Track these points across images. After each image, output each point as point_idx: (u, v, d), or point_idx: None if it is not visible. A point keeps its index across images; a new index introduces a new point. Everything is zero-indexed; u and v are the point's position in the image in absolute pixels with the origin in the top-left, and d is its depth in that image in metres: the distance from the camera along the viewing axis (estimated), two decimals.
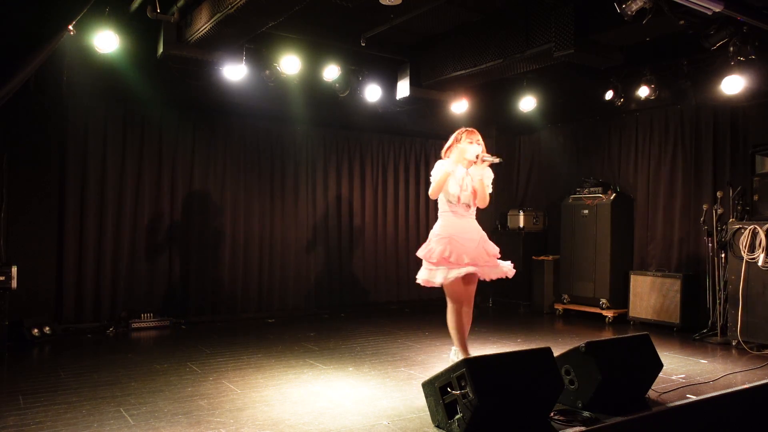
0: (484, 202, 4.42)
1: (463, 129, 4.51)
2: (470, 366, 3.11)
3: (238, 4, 4.65)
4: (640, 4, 4.48)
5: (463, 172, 4.40)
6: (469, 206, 4.43)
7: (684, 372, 4.77)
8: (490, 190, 4.49)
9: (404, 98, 7.36)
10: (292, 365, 4.88)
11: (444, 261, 4.24)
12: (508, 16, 5.97)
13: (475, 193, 4.39)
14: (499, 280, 4.48)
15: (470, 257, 4.26)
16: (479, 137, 4.46)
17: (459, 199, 4.38)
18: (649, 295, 6.94)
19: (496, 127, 9.02)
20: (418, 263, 4.50)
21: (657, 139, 7.38)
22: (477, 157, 4.40)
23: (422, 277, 4.37)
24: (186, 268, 6.86)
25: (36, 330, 5.68)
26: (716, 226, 6.18)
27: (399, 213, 8.42)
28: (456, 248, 4.26)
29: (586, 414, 3.52)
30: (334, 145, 7.96)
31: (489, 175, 4.49)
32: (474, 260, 4.28)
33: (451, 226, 4.37)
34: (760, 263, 5.63)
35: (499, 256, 4.48)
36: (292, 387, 4.24)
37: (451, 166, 4.38)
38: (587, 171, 8.05)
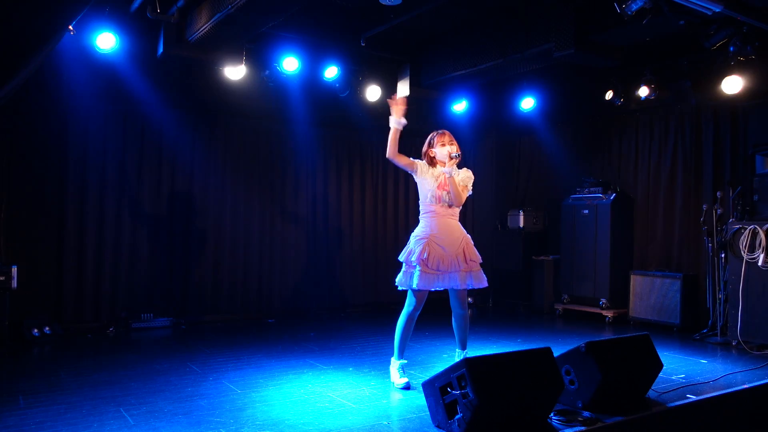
0: (459, 200, 4.32)
1: (434, 132, 4.53)
2: (470, 366, 3.11)
3: (238, 4, 4.65)
4: (640, 4, 4.48)
5: (441, 171, 4.36)
6: (450, 206, 4.34)
7: (684, 372, 4.77)
8: (470, 191, 4.43)
9: (404, 98, 7.34)
10: (292, 365, 4.88)
11: (421, 263, 4.16)
12: (508, 16, 5.98)
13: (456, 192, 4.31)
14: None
15: (446, 263, 4.19)
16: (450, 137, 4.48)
17: (439, 198, 4.30)
18: (649, 295, 6.93)
19: (496, 127, 9.02)
20: None
21: (657, 139, 7.37)
22: (450, 156, 4.36)
23: (399, 280, 4.31)
24: (186, 268, 6.85)
25: (36, 330, 5.69)
26: (716, 226, 6.18)
27: (399, 212, 8.41)
28: (434, 251, 4.20)
29: (586, 414, 3.52)
30: (334, 145, 7.95)
31: (465, 176, 4.43)
32: (449, 266, 4.20)
33: (432, 227, 4.28)
34: (760, 263, 5.63)
35: (480, 262, 4.37)
36: (292, 387, 4.24)
37: (446, 169, 4.35)
38: (587, 171, 8.04)
